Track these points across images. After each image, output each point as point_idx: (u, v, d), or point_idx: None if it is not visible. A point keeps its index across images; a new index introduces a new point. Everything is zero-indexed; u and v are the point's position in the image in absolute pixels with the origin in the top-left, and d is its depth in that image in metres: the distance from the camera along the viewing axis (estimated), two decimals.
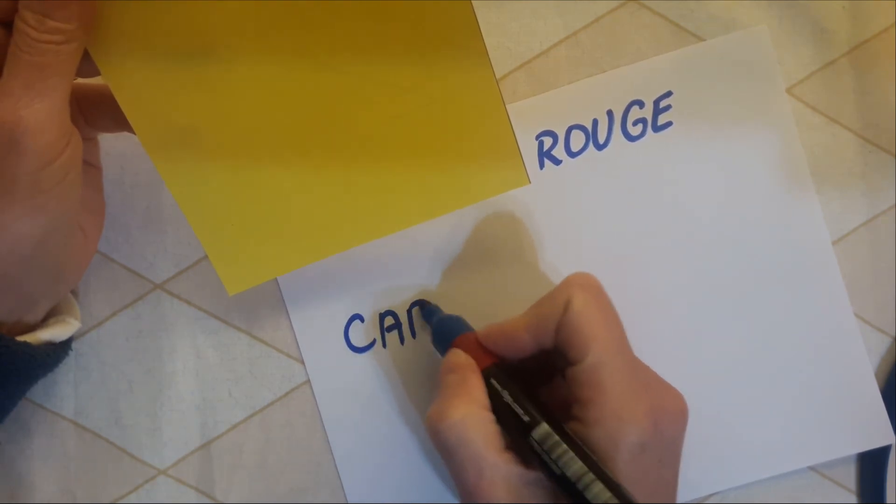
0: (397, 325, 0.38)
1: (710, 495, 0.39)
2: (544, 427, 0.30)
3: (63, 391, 0.38)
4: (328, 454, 0.38)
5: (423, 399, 0.39)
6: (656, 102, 0.38)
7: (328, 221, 0.34)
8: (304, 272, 0.38)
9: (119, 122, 0.32)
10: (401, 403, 0.39)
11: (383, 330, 0.38)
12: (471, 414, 0.31)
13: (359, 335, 0.38)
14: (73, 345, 0.37)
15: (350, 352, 0.38)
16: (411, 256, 0.38)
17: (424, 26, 0.31)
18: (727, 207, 0.39)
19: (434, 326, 0.37)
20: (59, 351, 0.34)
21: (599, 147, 0.39)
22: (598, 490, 0.28)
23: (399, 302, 0.38)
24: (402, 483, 0.39)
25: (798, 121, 0.39)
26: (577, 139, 0.38)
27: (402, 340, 0.38)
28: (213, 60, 0.30)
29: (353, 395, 0.38)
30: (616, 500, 0.28)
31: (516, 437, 0.31)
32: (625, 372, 0.31)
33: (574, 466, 0.29)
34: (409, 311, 0.38)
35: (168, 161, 0.32)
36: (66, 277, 0.34)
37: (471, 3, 0.31)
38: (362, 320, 0.38)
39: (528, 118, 0.38)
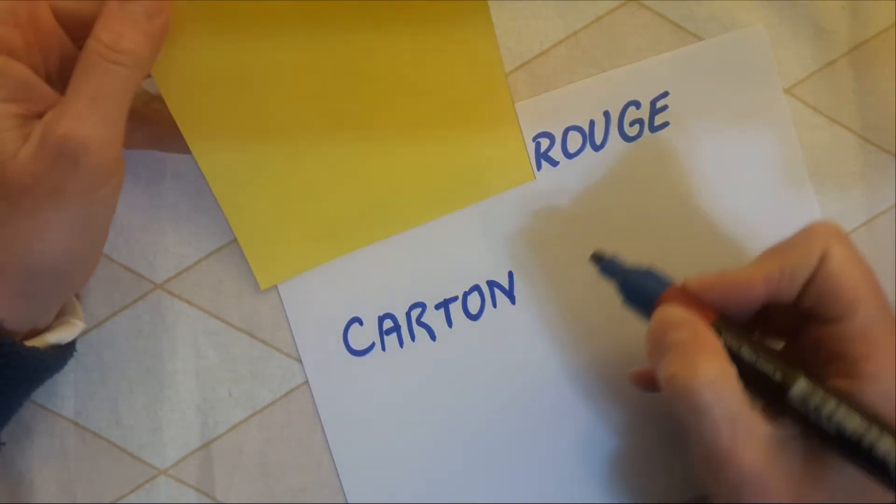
0: (396, 328, 0.38)
1: (710, 494, 0.39)
2: (803, 382, 0.28)
3: (63, 391, 0.38)
4: (328, 454, 0.38)
5: (423, 402, 0.39)
6: (653, 103, 0.38)
7: (353, 217, 0.37)
8: (303, 275, 0.38)
9: (153, 140, 0.34)
10: (400, 406, 0.39)
11: (382, 333, 0.38)
12: (723, 370, 0.28)
13: (358, 338, 0.38)
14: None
15: (349, 355, 0.38)
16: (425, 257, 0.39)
17: (446, 38, 0.35)
18: (724, 208, 0.39)
19: (625, 281, 0.32)
20: (65, 353, 0.34)
21: (596, 148, 0.38)
22: (889, 444, 0.26)
23: (398, 304, 0.38)
24: (402, 484, 0.39)
25: (798, 121, 0.39)
26: (574, 140, 0.38)
27: (401, 344, 0.38)
28: (256, 71, 0.34)
29: (353, 399, 0.38)
30: None
31: (764, 395, 0.29)
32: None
33: (853, 422, 0.26)
34: (407, 314, 0.38)
35: (210, 159, 0.35)
36: (80, 282, 0.34)
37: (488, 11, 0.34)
38: (361, 323, 0.38)
39: (524, 120, 0.38)
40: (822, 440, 0.28)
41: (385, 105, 0.36)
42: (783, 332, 0.33)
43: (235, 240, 0.37)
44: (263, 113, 0.35)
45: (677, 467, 0.39)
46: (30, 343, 0.32)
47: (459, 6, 0.34)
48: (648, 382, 0.36)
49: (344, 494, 0.38)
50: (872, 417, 0.27)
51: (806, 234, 0.30)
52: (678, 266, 0.38)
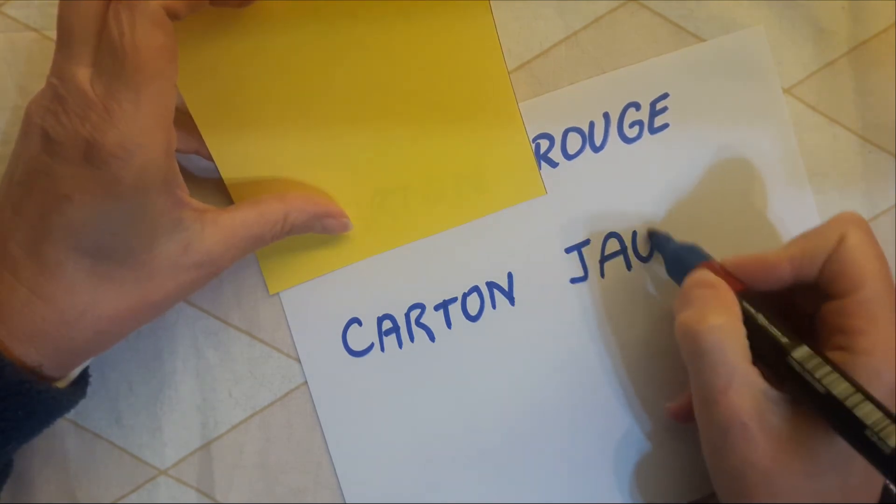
0: (395, 329, 0.38)
1: (711, 495, 0.39)
2: (805, 348, 0.31)
3: None
4: (327, 454, 0.39)
5: (422, 403, 0.39)
6: (652, 104, 0.38)
7: (367, 226, 0.37)
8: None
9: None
10: (399, 407, 0.39)
11: (381, 334, 0.38)
12: (730, 322, 0.31)
13: (357, 339, 0.38)
14: None
15: (348, 356, 0.38)
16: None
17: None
18: (724, 208, 0.39)
19: (671, 254, 0.37)
20: (79, 389, 0.34)
21: (596, 149, 0.38)
22: (868, 410, 0.28)
23: (397, 305, 0.38)
24: (400, 484, 0.39)
25: (798, 121, 0.39)
26: (574, 142, 0.38)
27: (400, 345, 0.38)
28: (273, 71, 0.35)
29: (352, 399, 0.38)
30: (888, 420, 0.28)
31: (770, 360, 0.32)
32: None
33: (841, 386, 0.29)
34: (406, 315, 0.38)
35: (229, 164, 0.35)
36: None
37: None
38: (360, 324, 0.38)
39: (524, 121, 0.38)
40: (812, 402, 0.30)
41: (393, 112, 0.36)
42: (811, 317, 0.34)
43: None
44: (277, 118, 0.35)
45: (677, 466, 0.39)
46: (59, 385, 0.32)
47: (460, 7, 0.35)
48: (683, 415, 0.37)
49: (342, 495, 0.39)
50: (858, 386, 0.29)
51: (831, 222, 0.33)
52: None
